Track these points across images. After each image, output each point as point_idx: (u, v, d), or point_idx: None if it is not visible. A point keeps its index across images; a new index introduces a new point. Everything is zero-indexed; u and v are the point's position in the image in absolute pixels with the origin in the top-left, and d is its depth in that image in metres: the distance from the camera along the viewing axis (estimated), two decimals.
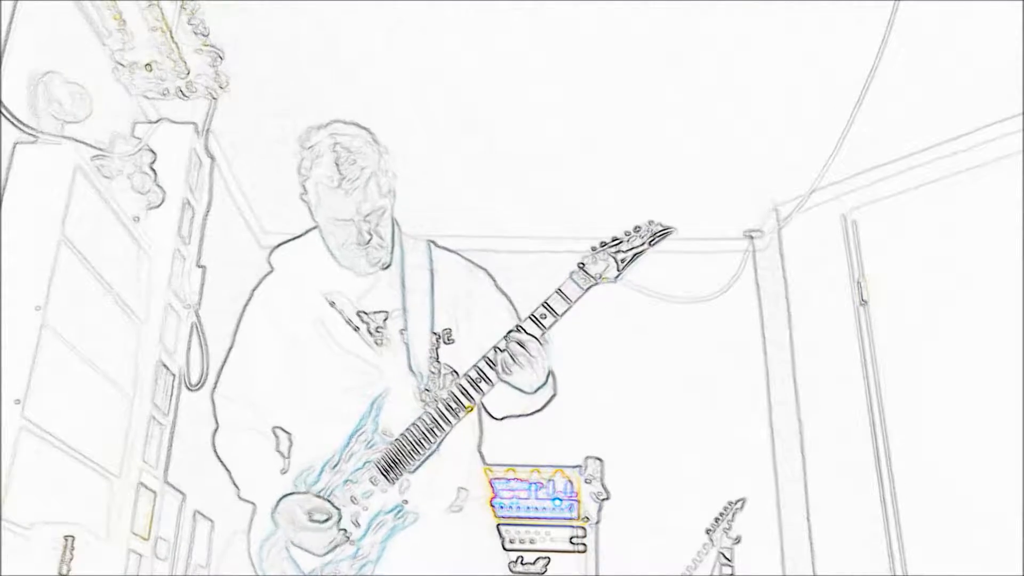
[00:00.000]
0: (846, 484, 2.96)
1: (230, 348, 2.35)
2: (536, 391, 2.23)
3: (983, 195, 2.79)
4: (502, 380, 2.20)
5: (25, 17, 2.10)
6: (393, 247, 2.35)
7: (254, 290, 2.37)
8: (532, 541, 2.93)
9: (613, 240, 2.23)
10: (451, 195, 2.57)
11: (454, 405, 2.20)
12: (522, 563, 2.91)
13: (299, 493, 2.19)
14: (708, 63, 2.68)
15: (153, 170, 2.51)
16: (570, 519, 2.96)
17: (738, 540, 2.92)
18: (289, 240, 2.40)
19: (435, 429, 2.20)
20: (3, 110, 2.04)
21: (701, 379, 3.28)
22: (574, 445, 3.02)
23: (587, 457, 3.01)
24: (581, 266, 2.22)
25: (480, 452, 2.36)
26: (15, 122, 2.07)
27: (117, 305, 2.38)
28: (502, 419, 2.36)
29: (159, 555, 2.50)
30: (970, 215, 2.81)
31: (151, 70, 2.53)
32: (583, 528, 2.95)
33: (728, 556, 2.89)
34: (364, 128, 2.31)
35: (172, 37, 2.48)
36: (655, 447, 3.17)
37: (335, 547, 2.17)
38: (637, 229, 2.22)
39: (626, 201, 3.27)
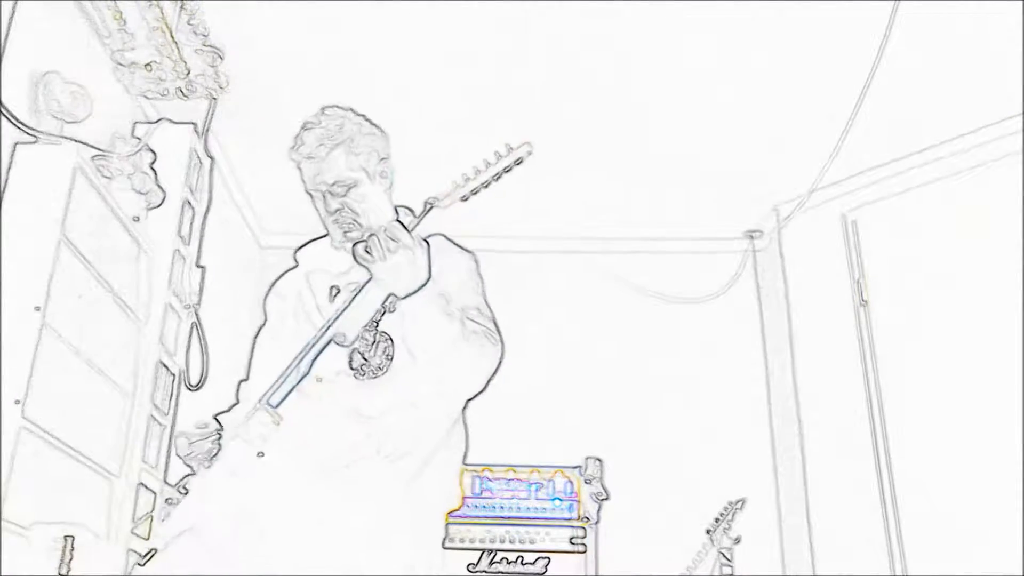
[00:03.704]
0: (846, 484, 2.96)
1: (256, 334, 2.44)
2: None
3: (983, 195, 2.79)
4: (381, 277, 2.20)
5: (25, 17, 2.10)
6: None
7: (274, 282, 2.45)
8: (532, 541, 2.93)
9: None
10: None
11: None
12: (522, 563, 2.91)
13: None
14: (708, 63, 2.68)
15: (153, 170, 2.51)
16: (570, 519, 2.96)
17: (738, 540, 2.92)
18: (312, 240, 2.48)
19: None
20: (3, 110, 2.04)
21: (701, 379, 3.28)
22: (574, 445, 3.02)
23: (587, 457, 3.01)
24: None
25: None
26: (15, 122, 2.07)
27: (117, 305, 2.38)
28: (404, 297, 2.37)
29: None
30: (970, 215, 2.81)
31: (151, 70, 2.53)
32: (583, 528, 2.95)
33: (728, 556, 2.89)
34: (357, 113, 2.37)
35: (172, 37, 2.48)
36: (655, 447, 3.17)
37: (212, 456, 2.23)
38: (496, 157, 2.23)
39: (627, 201, 3.28)
